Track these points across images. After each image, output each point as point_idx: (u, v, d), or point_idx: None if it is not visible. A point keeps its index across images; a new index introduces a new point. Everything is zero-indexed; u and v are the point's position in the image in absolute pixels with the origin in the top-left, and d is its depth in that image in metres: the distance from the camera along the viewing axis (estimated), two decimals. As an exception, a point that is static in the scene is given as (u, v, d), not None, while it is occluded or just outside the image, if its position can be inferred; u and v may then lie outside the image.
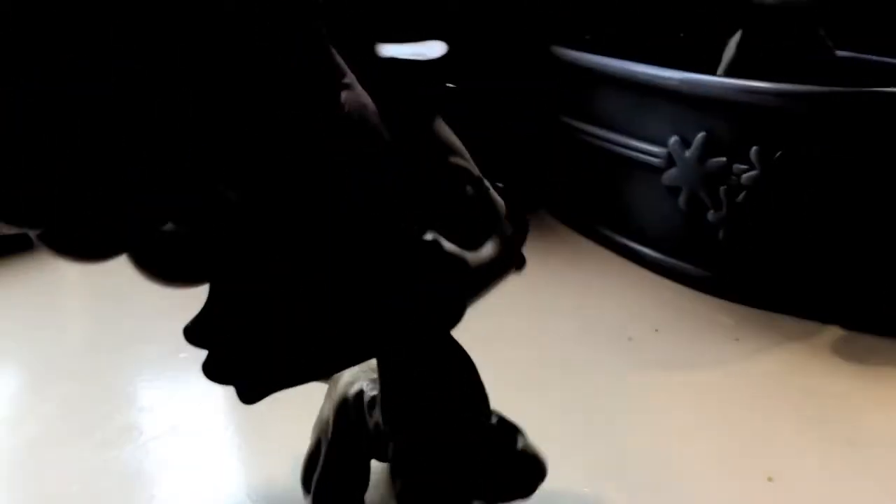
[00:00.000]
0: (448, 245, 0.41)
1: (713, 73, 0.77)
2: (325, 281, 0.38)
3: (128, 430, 0.60)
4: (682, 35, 1.02)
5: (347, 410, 0.48)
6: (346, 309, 0.39)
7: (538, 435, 0.58)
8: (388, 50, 0.43)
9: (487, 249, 0.42)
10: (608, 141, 0.89)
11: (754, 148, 0.74)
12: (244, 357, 0.39)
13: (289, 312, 0.38)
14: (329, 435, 0.48)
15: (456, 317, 0.42)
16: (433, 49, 0.43)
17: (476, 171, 0.43)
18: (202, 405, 0.64)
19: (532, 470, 0.45)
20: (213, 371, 0.39)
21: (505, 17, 1.00)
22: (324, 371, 0.43)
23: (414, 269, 0.40)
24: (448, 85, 0.43)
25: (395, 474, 0.44)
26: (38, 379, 0.68)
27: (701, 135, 0.78)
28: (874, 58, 0.91)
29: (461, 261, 0.41)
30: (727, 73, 0.87)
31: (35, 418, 0.62)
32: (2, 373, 0.70)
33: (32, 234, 0.37)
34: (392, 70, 0.41)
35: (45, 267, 0.88)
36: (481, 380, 0.44)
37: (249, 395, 0.39)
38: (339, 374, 0.50)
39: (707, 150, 0.77)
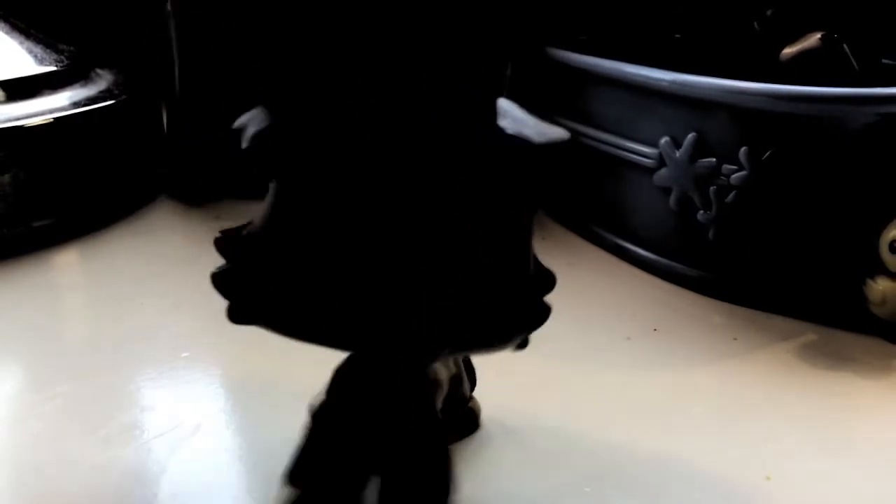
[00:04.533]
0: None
1: (709, 74, 0.78)
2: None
3: (129, 430, 0.60)
4: (678, 36, 1.02)
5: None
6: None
7: (538, 435, 0.59)
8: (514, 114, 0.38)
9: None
10: (603, 142, 0.89)
11: (743, 148, 0.74)
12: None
13: None
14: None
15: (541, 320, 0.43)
16: (555, 132, 0.38)
17: None
18: (203, 405, 0.64)
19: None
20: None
21: (500, 19, 0.99)
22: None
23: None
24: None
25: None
26: (38, 378, 0.68)
27: (691, 135, 0.78)
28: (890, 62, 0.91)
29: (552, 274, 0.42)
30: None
31: (35, 418, 0.62)
32: (2, 372, 0.70)
33: None
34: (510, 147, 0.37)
35: (45, 267, 0.88)
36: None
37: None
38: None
39: (697, 150, 0.78)
